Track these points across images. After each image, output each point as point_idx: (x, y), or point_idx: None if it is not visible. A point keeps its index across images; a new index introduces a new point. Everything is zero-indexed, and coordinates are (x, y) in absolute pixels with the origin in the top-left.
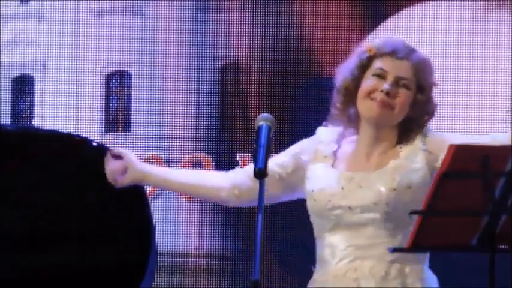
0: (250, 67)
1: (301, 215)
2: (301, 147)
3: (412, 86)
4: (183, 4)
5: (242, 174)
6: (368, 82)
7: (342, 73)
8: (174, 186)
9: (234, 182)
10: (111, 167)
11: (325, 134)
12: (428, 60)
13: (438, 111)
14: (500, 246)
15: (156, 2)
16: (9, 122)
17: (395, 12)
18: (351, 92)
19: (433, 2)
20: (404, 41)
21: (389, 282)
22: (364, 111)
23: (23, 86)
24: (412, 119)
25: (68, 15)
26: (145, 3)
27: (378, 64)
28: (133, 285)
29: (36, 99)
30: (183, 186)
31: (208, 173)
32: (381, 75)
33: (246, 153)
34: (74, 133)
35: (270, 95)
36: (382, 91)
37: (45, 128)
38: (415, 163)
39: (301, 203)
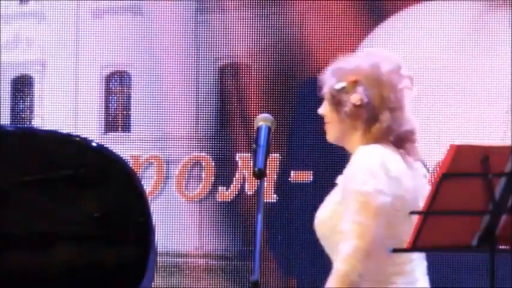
0: (249, 67)
1: (301, 215)
2: None
3: (328, 98)
4: (183, 4)
5: None
6: None
7: None
8: None
9: None
10: None
11: None
12: (328, 71)
13: (438, 111)
14: (501, 247)
15: (156, 2)
16: (9, 122)
17: (395, 12)
18: None
19: (433, 2)
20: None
21: None
22: None
23: (22, 86)
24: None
25: (67, 15)
26: (145, 3)
27: None
28: (132, 286)
29: (35, 99)
30: None
31: None
32: None
33: (245, 153)
34: (73, 133)
35: (270, 95)
36: None
37: (44, 128)
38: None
39: (301, 203)
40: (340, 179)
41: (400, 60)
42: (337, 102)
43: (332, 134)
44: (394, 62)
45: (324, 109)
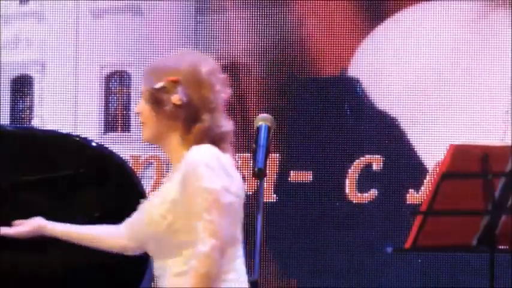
0: (249, 67)
1: (301, 215)
2: None
3: (146, 97)
4: (182, 4)
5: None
6: None
7: None
8: (73, 235)
9: (127, 229)
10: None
11: None
12: (147, 70)
13: (438, 111)
14: (500, 247)
15: (156, 2)
16: (9, 122)
17: (395, 12)
18: None
19: (433, 2)
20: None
21: None
22: None
23: (22, 86)
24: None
25: (67, 15)
26: (145, 3)
27: None
28: (132, 286)
29: (35, 99)
30: (83, 236)
31: (104, 226)
32: None
33: (245, 153)
34: (73, 133)
35: (270, 95)
36: None
37: (44, 128)
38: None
39: (301, 203)
40: (175, 177)
41: (215, 63)
42: (156, 102)
43: (149, 134)
44: (211, 64)
45: (140, 108)
